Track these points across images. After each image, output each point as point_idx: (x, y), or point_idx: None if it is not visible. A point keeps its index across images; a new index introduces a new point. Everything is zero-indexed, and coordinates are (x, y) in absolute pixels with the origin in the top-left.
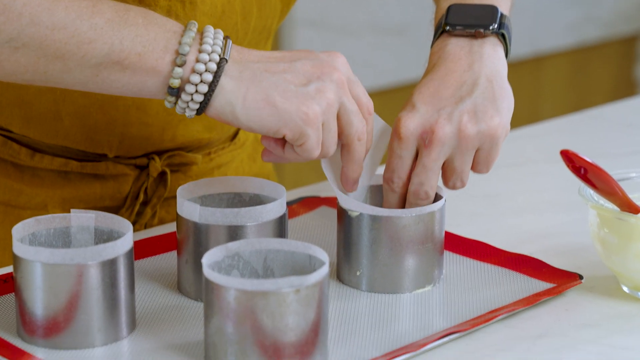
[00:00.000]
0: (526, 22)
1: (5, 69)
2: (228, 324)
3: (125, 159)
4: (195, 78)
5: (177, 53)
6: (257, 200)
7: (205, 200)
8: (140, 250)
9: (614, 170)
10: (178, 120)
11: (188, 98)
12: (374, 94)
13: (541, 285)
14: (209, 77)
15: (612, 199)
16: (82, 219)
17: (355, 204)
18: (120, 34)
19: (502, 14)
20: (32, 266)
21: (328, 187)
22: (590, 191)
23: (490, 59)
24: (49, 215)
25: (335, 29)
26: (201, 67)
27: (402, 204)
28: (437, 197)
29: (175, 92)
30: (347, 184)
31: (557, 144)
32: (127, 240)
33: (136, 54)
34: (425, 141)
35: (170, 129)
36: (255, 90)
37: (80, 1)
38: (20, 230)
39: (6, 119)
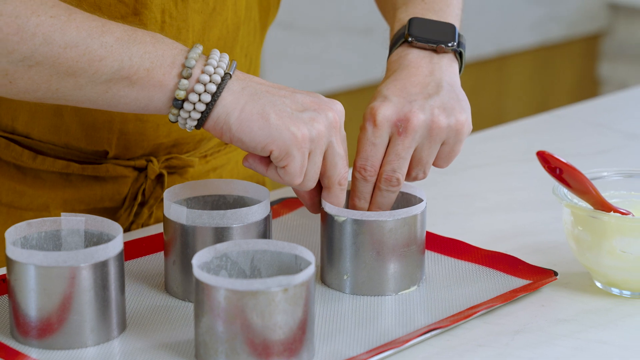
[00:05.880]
0: (491, 21)
1: (19, 87)
2: (218, 323)
3: (125, 161)
4: (200, 87)
5: (184, 66)
6: (240, 202)
7: (190, 203)
8: (127, 252)
9: (585, 169)
10: None
11: (190, 107)
12: (342, 94)
13: (517, 282)
14: (212, 87)
15: (586, 198)
16: (73, 222)
17: (341, 209)
18: (130, 51)
19: (459, 34)
20: (25, 269)
21: None
22: (564, 190)
23: (448, 71)
24: (40, 219)
25: (302, 29)
26: (206, 77)
27: (370, 195)
28: (418, 200)
29: (180, 105)
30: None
31: (525, 144)
32: (117, 242)
33: (144, 69)
34: (399, 129)
35: (165, 125)
36: (253, 104)
37: (90, 21)
38: (12, 233)
39: (14, 112)
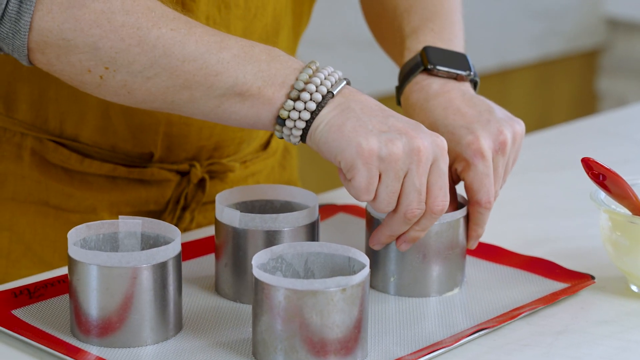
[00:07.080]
0: (492, 36)
1: (137, 97)
2: (278, 322)
3: (169, 164)
4: (300, 105)
5: (292, 88)
6: (288, 207)
7: (238, 207)
8: None
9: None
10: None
11: (291, 124)
12: None
13: (556, 286)
14: (312, 105)
15: (626, 203)
16: (130, 224)
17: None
18: (245, 68)
19: (471, 64)
20: (88, 269)
21: (343, 195)
22: (602, 196)
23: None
24: (99, 222)
25: (309, 41)
26: (306, 96)
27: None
28: (461, 205)
29: (283, 122)
30: (371, 240)
31: (547, 154)
32: (176, 244)
33: (257, 87)
34: (498, 152)
35: (207, 128)
36: (338, 118)
37: (210, 36)
38: (73, 235)
39: (62, 115)
